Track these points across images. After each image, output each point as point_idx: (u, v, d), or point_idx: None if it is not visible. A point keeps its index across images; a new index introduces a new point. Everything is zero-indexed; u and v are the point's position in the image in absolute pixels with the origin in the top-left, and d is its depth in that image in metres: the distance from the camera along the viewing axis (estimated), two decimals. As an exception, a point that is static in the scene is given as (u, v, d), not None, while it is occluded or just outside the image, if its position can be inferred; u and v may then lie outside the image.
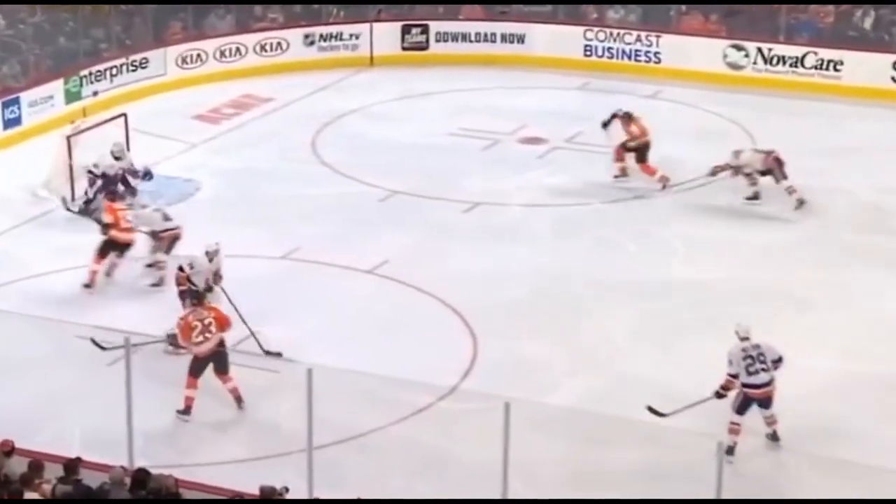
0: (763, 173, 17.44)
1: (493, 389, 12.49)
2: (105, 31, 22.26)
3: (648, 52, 23.08)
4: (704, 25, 23.42)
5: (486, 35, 23.76)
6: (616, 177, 18.35)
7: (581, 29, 23.45)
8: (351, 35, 23.60)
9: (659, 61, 23.04)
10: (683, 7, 23.51)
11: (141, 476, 10.36)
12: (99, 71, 21.33)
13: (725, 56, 22.66)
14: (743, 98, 21.52)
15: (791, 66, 22.24)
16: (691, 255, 16.34)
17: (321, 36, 23.55)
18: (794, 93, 21.74)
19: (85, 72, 21.13)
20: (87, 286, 15.39)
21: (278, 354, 13.80)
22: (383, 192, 18.29)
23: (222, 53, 22.91)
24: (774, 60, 22.34)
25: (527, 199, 18.01)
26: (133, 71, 21.81)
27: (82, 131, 18.33)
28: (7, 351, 13.61)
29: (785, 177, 17.37)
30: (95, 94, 20.95)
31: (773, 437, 12.43)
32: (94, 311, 14.74)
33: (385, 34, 23.68)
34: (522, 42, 23.71)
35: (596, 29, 23.40)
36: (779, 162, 17.38)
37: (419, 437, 12.50)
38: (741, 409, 12.26)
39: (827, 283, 15.31)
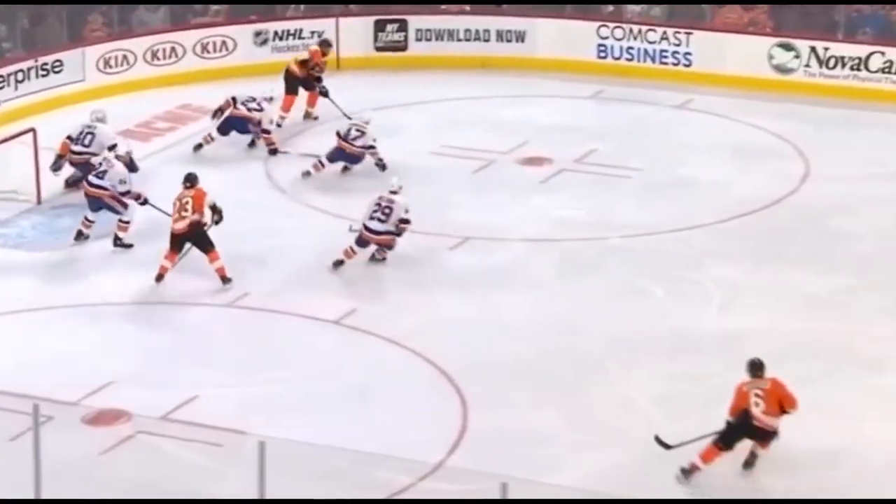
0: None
1: (487, 466, 12.54)
2: (8, 26, 22.32)
3: (677, 52, 23.23)
4: (746, 19, 23.57)
5: (477, 33, 23.89)
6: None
7: (594, 25, 23.62)
8: (313, 32, 23.67)
9: (689, 64, 23.19)
10: (719, -3, 23.75)
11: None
12: (0, 76, 21.38)
13: (771, 57, 22.82)
14: (793, 108, 21.67)
15: (852, 69, 22.40)
16: (731, 302, 16.37)
17: (276, 34, 23.66)
18: (855, 102, 21.91)
19: (-19, 76, 21.24)
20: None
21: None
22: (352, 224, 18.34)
23: (154, 55, 23.00)
24: (832, 62, 22.50)
25: (528, 233, 18.06)
26: (43, 76, 21.88)
27: (-24, 151, 18.40)
28: None
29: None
30: None
31: (379, 256, 17.16)
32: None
33: (354, 32, 23.81)
34: (523, 41, 23.86)
35: (612, 25, 23.56)
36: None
37: (396, 525, 12.52)
38: (360, 243, 17.01)
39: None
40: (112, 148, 18.58)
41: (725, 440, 13.08)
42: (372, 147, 19.51)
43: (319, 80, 21.44)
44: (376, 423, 13.92)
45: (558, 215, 18.54)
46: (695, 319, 15.98)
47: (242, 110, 20.12)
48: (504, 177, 19.84)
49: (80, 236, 17.70)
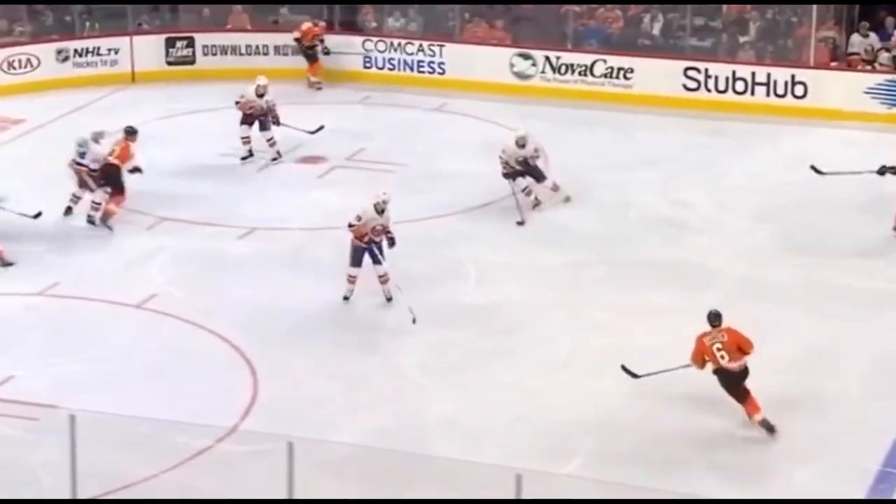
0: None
1: (275, 429, 12.53)
2: None
3: (432, 62, 23.43)
4: (490, 33, 23.91)
5: (257, 47, 23.78)
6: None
7: (359, 39, 23.69)
8: (109, 49, 23.33)
9: (443, 72, 23.40)
10: (467, 14, 23.97)
11: None
12: None
13: (512, 65, 23.14)
14: (532, 109, 21.93)
15: (580, 74, 22.82)
16: (484, 278, 16.60)
17: (76, 51, 23.23)
18: (584, 102, 22.32)
19: None
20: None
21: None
22: (150, 219, 18.12)
23: (-37, 72, 22.41)
24: (563, 69, 22.91)
25: (308, 223, 18.06)
26: None
27: None
28: None
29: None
30: None
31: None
32: None
33: (147, 48, 23.50)
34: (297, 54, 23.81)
35: (376, 39, 23.66)
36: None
37: (196, 483, 12.39)
38: None
39: (623, 304, 15.73)
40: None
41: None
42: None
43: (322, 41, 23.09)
44: (176, 395, 13.79)
45: (333, 207, 18.56)
46: (454, 294, 16.15)
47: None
48: (285, 174, 19.83)
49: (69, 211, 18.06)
